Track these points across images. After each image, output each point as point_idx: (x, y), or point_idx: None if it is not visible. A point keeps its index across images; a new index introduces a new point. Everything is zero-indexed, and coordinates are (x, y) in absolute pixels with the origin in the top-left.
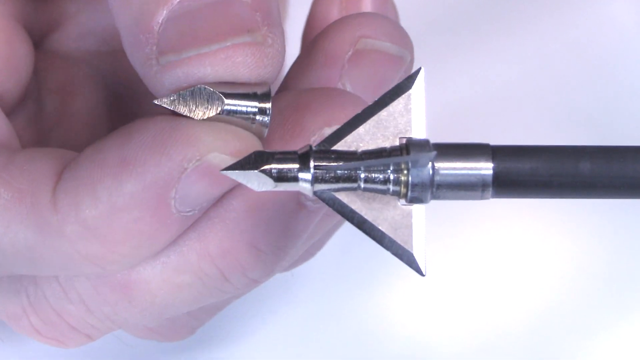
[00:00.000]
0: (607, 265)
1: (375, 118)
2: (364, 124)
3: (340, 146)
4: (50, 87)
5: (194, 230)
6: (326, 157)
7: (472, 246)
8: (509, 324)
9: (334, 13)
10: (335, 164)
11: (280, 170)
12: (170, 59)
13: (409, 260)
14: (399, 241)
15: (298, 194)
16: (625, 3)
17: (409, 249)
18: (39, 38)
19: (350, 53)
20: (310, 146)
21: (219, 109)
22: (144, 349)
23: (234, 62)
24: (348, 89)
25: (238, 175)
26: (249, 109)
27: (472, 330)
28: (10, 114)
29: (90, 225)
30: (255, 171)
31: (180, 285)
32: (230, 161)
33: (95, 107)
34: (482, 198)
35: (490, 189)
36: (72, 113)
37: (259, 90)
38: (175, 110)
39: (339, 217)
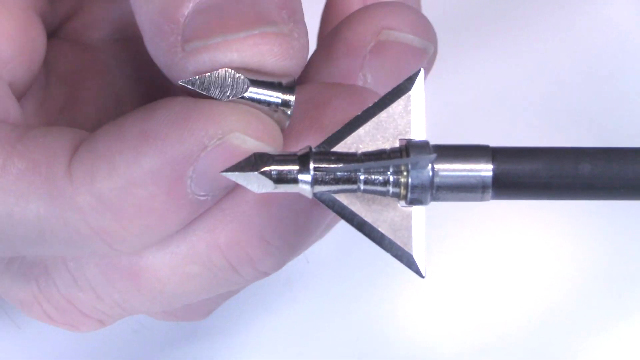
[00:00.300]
0: (607, 266)
1: (375, 119)
2: (364, 126)
3: (340, 148)
4: (60, 75)
5: (204, 221)
6: (326, 158)
7: (472, 248)
8: (508, 325)
9: (355, 1)
10: (335, 165)
11: (280, 172)
12: (196, 45)
13: (409, 261)
14: (398, 243)
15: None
16: (625, 3)
17: (409, 251)
18: (54, 27)
19: (372, 44)
20: (310, 148)
21: (244, 93)
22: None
23: (261, 50)
24: (369, 80)
25: (238, 177)
26: (273, 99)
27: (472, 331)
28: (19, 100)
29: (104, 198)
30: (255, 173)
31: (189, 275)
32: (252, 142)
33: (104, 95)
34: (482, 200)
35: (490, 190)
36: (81, 100)
37: (284, 81)
38: (200, 91)
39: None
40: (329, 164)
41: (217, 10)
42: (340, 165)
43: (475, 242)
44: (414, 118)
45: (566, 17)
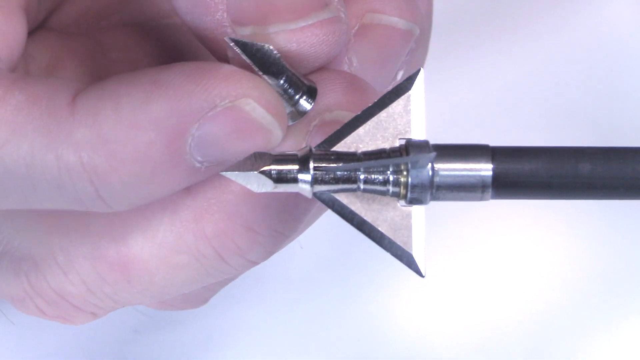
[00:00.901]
0: (607, 265)
1: (374, 119)
2: (364, 125)
3: (339, 147)
4: (41, 65)
5: (191, 211)
6: (326, 158)
7: (472, 247)
8: (508, 324)
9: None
10: (334, 165)
11: (279, 172)
12: (253, 31)
13: (409, 261)
14: (398, 242)
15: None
16: (625, 3)
17: (409, 250)
18: (41, 19)
19: (356, 27)
20: (310, 147)
21: (278, 78)
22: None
23: (318, 40)
24: (354, 64)
25: (237, 176)
26: (295, 94)
27: (472, 330)
28: None
29: (103, 135)
30: (255, 172)
31: (177, 266)
32: (260, 112)
33: (84, 81)
34: (481, 199)
35: (490, 190)
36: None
37: (308, 82)
38: (243, 52)
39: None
40: (329, 164)
41: None
42: (340, 165)
43: (475, 241)
44: (413, 118)
45: (566, 17)
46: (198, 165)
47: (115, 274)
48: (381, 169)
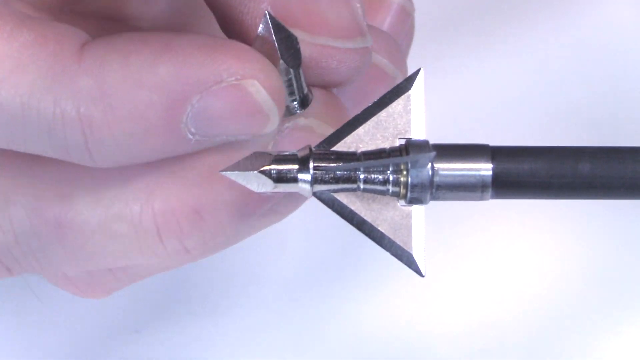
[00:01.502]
0: (607, 265)
1: (374, 119)
2: (364, 125)
3: (339, 147)
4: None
5: (145, 182)
6: (326, 158)
7: (472, 247)
8: (508, 324)
9: None
10: (334, 164)
11: (279, 171)
12: (299, 35)
13: (409, 260)
14: (398, 242)
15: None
16: (625, 3)
17: (409, 250)
18: None
19: None
20: (310, 147)
21: (292, 67)
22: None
23: (355, 65)
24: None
25: (237, 176)
26: (294, 93)
27: (471, 330)
28: None
29: (105, 87)
30: (255, 172)
31: (114, 234)
32: (263, 95)
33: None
34: (481, 199)
35: (490, 189)
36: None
37: (307, 89)
38: (272, 28)
39: (293, 206)
40: (329, 163)
41: None
42: (340, 165)
43: (474, 241)
44: (413, 117)
45: (566, 17)
46: (190, 136)
47: (49, 230)
48: (381, 168)
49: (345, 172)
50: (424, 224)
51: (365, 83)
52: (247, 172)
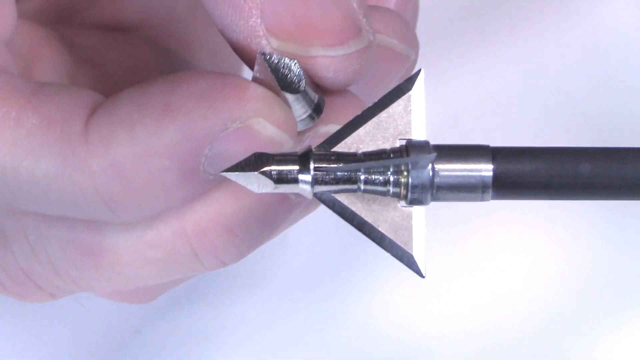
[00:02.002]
0: (608, 266)
1: (375, 120)
2: (364, 126)
3: (340, 148)
4: (22, 52)
5: (174, 208)
6: (326, 158)
7: (472, 248)
8: (508, 324)
9: None
10: (335, 165)
11: (280, 172)
12: (292, 49)
13: (409, 261)
14: (399, 243)
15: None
16: (625, 3)
17: (409, 251)
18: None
19: None
20: (310, 147)
21: (295, 92)
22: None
23: (353, 69)
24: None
25: (238, 177)
26: (305, 108)
27: (472, 331)
28: None
29: (117, 164)
30: (255, 172)
31: (151, 260)
32: (272, 130)
33: (132, 73)
34: (482, 200)
35: (490, 190)
36: (108, 80)
37: (318, 95)
38: (268, 67)
39: (316, 208)
40: (329, 164)
41: None
42: (341, 165)
43: (475, 242)
44: (414, 118)
45: (566, 18)
46: (210, 177)
47: (86, 260)
48: (381, 169)
49: (346, 173)
50: (424, 224)
51: (379, 66)
52: (247, 173)
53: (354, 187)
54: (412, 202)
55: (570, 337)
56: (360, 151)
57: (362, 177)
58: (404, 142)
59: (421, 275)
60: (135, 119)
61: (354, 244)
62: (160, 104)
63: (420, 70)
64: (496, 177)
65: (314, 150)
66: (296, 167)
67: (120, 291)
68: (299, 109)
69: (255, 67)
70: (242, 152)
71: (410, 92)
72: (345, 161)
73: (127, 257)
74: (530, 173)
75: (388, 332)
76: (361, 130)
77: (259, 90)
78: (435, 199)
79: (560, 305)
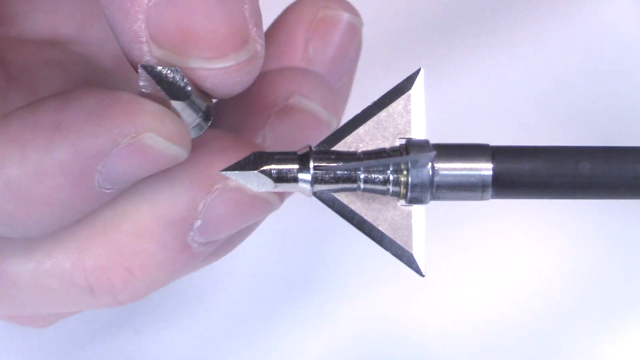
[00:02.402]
0: (608, 265)
1: (374, 119)
2: (364, 125)
3: (340, 147)
4: (16, 74)
5: (75, 240)
6: (326, 157)
7: (472, 247)
8: (509, 324)
9: (299, 35)
10: (335, 164)
11: (279, 171)
12: (171, 58)
13: (409, 260)
14: (398, 242)
15: (187, 230)
16: (625, 3)
17: (409, 250)
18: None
19: (280, 106)
20: (310, 147)
21: (183, 99)
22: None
23: (233, 81)
24: (267, 140)
25: (237, 176)
26: (193, 116)
27: (472, 330)
28: None
29: (11, 184)
30: (255, 171)
31: (47, 288)
32: (163, 143)
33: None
34: (481, 199)
35: (490, 189)
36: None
37: (206, 104)
38: (152, 79)
39: (219, 256)
40: (329, 163)
41: (185, 4)
42: (340, 164)
43: (475, 241)
44: (413, 117)
45: (566, 17)
46: (109, 191)
47: None
48: (381, 168)
49: (346, 172)
50: (424, 223)
51: (299, 130)
52: (247, 172)
53: (354, 186)
54: (412, 201)
55: (570, 335)
56: (359, 150)
57: (362, 176)
58: (403, 141)
59: (421, 274)
60: (27, 139)
61: (353, 243)
62: (50, 122)
63: (420, 69)
64: (496, 176)
65: (313, 149)
66: (296, 166)
67: (15, 315)
68: (187, 117)
69: (140, 82)
70: (136, 167)
71: (410, 91)
72: (344, 160)
73: (23, 281)
74: (530, 172)
75: (388, 332)
76: (361, 129)
77: (147, 104)
78: (434, 197)
79: (561, 304)
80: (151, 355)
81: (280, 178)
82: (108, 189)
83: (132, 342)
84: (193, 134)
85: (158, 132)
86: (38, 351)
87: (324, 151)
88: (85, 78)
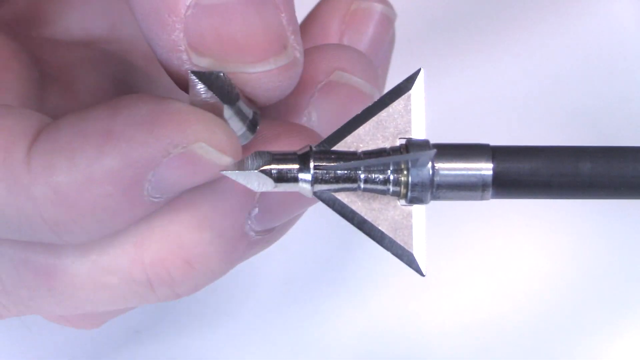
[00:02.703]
0: (608, 265)
1: (375, 119)
2: (364, 125)
3: (340, 147)
4: (52, 74)
5: (132, 235)
6: (326, 157)
7: (473, 246)
8: (509, 323)
9: (334, 28)
10: (335, 164)
11: (280, 171)
12: (211, 65)
13: (409, 260)
14: (399, 241)
15: (245, 219)
16: (626, 3)
17: (409, 249)
18: (36, 26)
19: (323, 83)
20: (311, 146)
21: (232, 104)
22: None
23: (274, 85)
24: (313, 119)
25: (238, 175)
26: (240, 124)
27: (472, 329)
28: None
29: (60, 191)
30: (256, 171)
31: (104, 285)
32: (214, 154)
33: (100, 90)
34: (482, 198)
35: (490, 189)
36: (76, 97)
37: (252, 111)
38: (202, 83)
39: (273, 242)
40: (329, 163)
41: (222, 10)
42: (341, 164)
43: (475, 240)
44: (414, 117)
45: (566, 17)
46: (157, 200)
47: (38, 281)
48: (381, 168)
49: (346, 172)
50: (424, 223)
51: (344, 105)
52: (247, 172)
53: (354, 185)
54: (412, 200)
55: (570, 335)
56: (360, 150)
57: (362, 175)
58: (403, 141)
59: (421, 274)
60: (76, 146)
61: (354, 243)
62: (101, 130)
63: (420, 69)
64: (496, 175)
65: (313, 149)
66: (296, 166)
67: (69, 316)
68: (235, 125)
69: (190, 90)
70: (187, 177)
71: (410, 92)
72: (345, 160)
73: (81, 280)
74: (530, 172)
75: (388, 332)
76: (361, 129)
77: (198, 113)
78: (435, 197)
79: (561, 303)
80: (151, 355)
81: (281, 178)
82: (157, 197)
83: (132, 342)
84: (241, 142)
85: (209, 142)
86: (38, 350)
87: (324, 151)
88: (118, 76)
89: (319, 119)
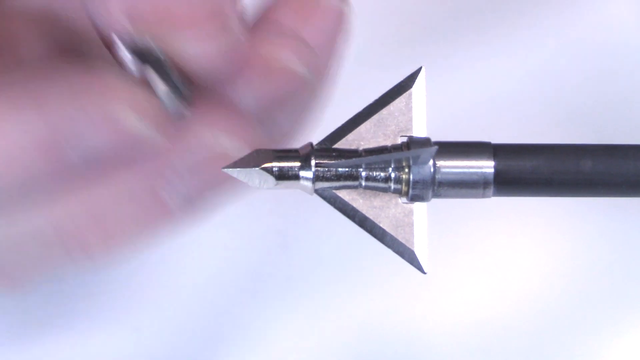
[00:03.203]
0: (609, 264)
1: (376, 116)
2: (365, 123)
3: (341, 144)
4: None
5: (48, 197)
6: (327, 155)
7: (474, 244)
8: (510, 322)
9: (285, 16)
10: (336, 161)
11: (281, 168)
12: (145, 34)
13: (411, 258)
14: (400, 239)
15: (161, 186)
16: (626, 3)
17: (411, 247)
18: None
19: (261, 65)
20: (312, 144)
21: (157, 65)
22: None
23: (211, 65)
24: (250, 101)
25: (239, 173)
26: (172, 98)
27: (473, 328)
28: None
29: None
30: (257, 169)
31: (18, 246)
32: (139, 121)
33: (44, 57)
34: (483, 196)
35: (492, 187)
36: (19, 63)
37: (185, 87)
38: (131, 47)
39: (197, 217)
40: (331, 160)
41: None
42: (342, 161)
43: (477, 238)
44: (415, 115)
45: (566, 16)
46: (79, 168)
47: None
48: (383, 165)
49: (347, 169)
50: (426, 221)
51: (280, 88)
52: (248, 169)
53: (355, 183)
54: (414, 198)
55: (570, 335)
56: (361, 148)
57: (363, 173)
58: (405, 139)
59: (423, 272)
60: (1, 111)
61: (355, 241)
62: (26, 96)
63: (421, 67)
64: (497, 173)
65: (315, 146)
66: (297, 164)
67: None
68: (166, 97)
69: (119, 53)
70: (109, 143)
71: (411, 90)
72: (346, 158)
73: None
74: (532, 170)
75: (389, 330)
76: (362, 127)
77: (124, 79)
78: (436, 195)
79: (561, 303)
80: (151, 355)
81: (282, 175)
82: (78, 163)
83: (132, 342)
84: (173, 119)
85: (133, 109)
86: (37, 350)
87: (326, 149)
88: (61, 43)
89: (256, 101)
